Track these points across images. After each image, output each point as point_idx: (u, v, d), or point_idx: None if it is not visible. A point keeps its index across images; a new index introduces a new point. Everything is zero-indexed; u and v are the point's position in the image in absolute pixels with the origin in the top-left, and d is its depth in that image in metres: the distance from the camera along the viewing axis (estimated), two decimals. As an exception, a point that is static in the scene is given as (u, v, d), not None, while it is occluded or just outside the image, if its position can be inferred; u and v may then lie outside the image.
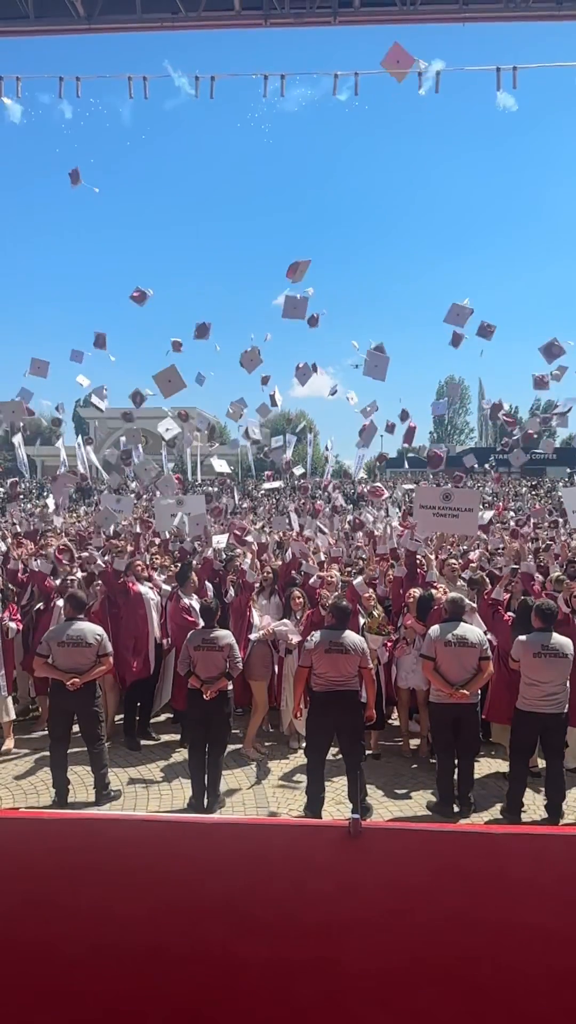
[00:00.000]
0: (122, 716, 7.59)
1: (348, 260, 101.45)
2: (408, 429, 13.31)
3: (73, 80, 8.31)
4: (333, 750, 5.95)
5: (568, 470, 40.76)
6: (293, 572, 8.31)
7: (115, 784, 6.26)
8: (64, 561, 8.50)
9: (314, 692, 5.66)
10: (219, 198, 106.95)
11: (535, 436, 14.99)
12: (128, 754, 7.05)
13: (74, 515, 17.46)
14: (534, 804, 5.97)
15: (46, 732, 6.48)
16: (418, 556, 8.00)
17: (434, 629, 6.01)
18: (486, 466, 29.92)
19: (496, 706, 6.54)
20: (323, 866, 2.81)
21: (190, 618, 7.04)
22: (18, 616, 7.43)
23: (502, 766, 6.64)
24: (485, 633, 6.30)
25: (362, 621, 6.74)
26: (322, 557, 9.18)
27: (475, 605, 6.88)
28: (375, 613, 7.09)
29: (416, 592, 7.21)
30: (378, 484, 19.66)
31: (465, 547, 10.92)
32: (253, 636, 7.03)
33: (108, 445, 34.69)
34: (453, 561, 8.22)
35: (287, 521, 11.22)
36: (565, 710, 5.72)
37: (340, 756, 5.89)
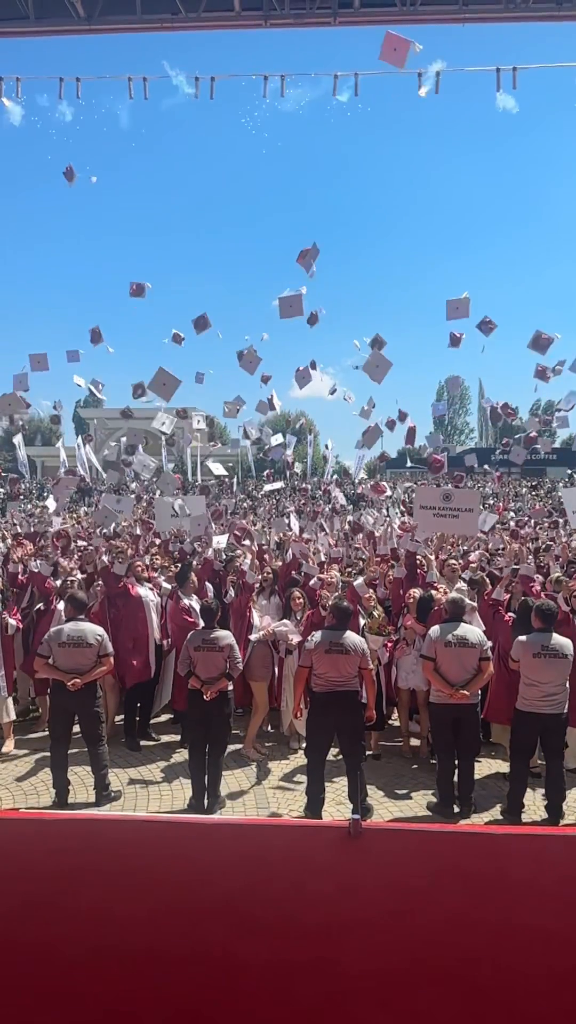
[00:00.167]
0: (122, 717, 7.59)
1: (348, 261, 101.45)
2: (408, 430, 13.33)
3: (73, 81, 8.33)
4: (334, 751, 5.95)
5: (568, 471, 40.76)
6: (293, 572, 8.31)
7: (115, 785, 6.25)
8: (60, 547, 8.49)
9: (314, 692, 5.66)
10: (219, 200, 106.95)
11: (537, 438, 15.02)
12: (128, 755, 7.05)
13: (74, 515, 17.45)
14: (534, 804, 5.96)
15: (46, 733, 6.49)
16: (418, 557, 8.00)
17: (434, 630, 6.01)
18: (486, 467, 29.92)
19: (496, 706, 6.54)
20: (323, 867, 2.81)
21: (190, 619, 7.04)
22: (18, 616, 7.43)
23: (502, 767, 6.64)
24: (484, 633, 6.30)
25: (362, 622, 6.74)
26: (322, 558, 9.18)
27: (475, 604, 6.88)
28: (375, 614, 7.09)
29: (416, 593, 7.21)
30: (382, 483, 19.70)
31: (465, 547, 10.92)
32: (253, 637, 7.03)
33: (108, 445, 34.71)
34: (453, 562, 8.22)
35: (287, 523, 11.23)
36: (565, 711, 5.72)
37: (340, 757, 5.89)
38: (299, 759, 6.75)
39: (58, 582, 7.71)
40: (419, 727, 7.27)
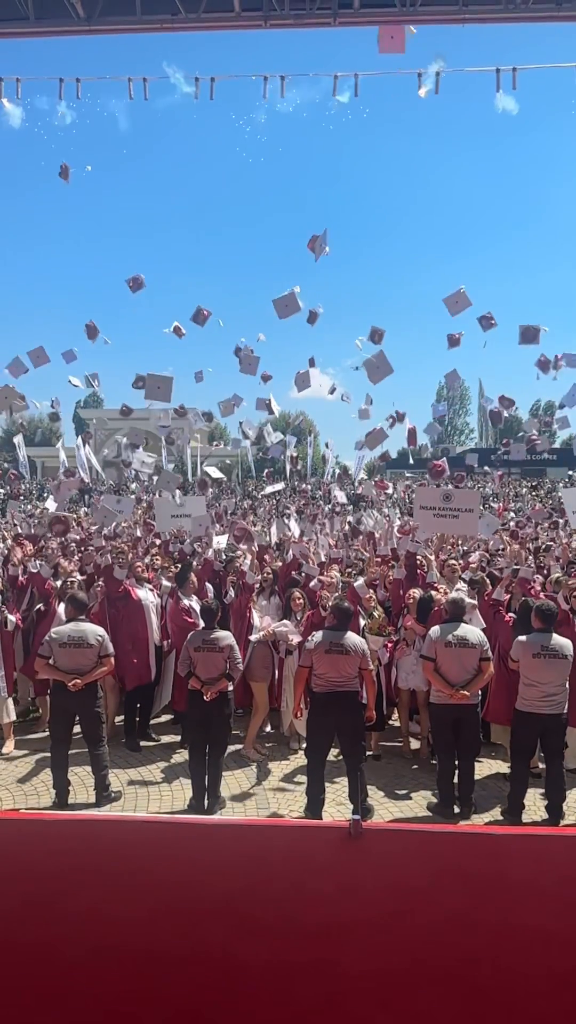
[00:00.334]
0: (122, 717, 7.59)
1: (347, 261, 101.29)
2: (409, 431, 13.35)
3: (73, 82, 8.33)
4: (334, 751, 5.95)
5: (568, 471, 40.76)
6: (293, 573, 8.31)
7: (115, 785, 6.25)
8: (56, 532, 8.48)
9: (314, 693, 5.66)
10: (218, 200, 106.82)
11: (538, 440, 15.05)
12: (128, 755, 7.05)
13: (74, 516, 17.43)
14: (534, 805, 5.96)
15: (46, 733, 6.49)
16: (418, 557, 8.00)
17: (435, 630, 6.01)
18: (486, 468, 29.91)
19: (496, 707, 6.54)
20: (323, 867, 2.81)
21: (190, 619, 7.04)
22: (19, 616, 7.43)
23: (502, 767, 6.64)
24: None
25: (363, 623, 6.74)
26: (323, 558, 9.18)
27: (475, 602, 6.87)
28: (375, 614, 7.09)
29: (416, 593, 7.22)
30: (384, 480, 19.73)
31: (465, 548, 10.92)
32: (253, 637, 7.03)
33: (108, 445, 34.71)
34: (453, 562, 8.23)
35: (287, 526, 11.23)
36: (564, 711, 5.72)
37: (341, 757, 5.88)
38: (299, 760, 6.75)
39: (58, 583, 7.70)
40: (419, 727, 7.27)
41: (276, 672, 7.23)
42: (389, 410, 14.21)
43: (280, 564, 9.02)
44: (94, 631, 6.06)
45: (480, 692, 6.12)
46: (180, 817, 5.17)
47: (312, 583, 7.73)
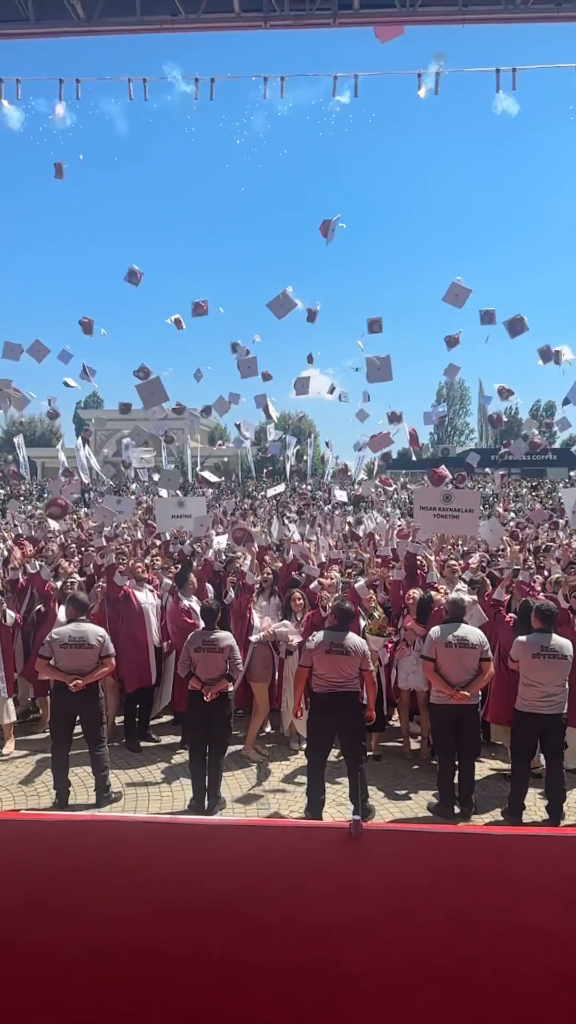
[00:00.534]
0: (122, 718, 7.59)
1: (347, 262, 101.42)
2: (411, 435, 13.39)
3: (73, 82, 8.35)
4: (335, 752, 5.95)
5: (569, 471, 40.77)
6: (293, 573, 8.31)
7: (115, 786, 6.25)
8: (54, 513, 8.49)
9: (315, 693, 5.66)
10: (218, 201, 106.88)
11: (540, 443, 15.07)
12: (128, 756, 7.04)
13: (74, 517, 17.45)
14: (535, 805, 5.96)
15: (47, 734, 6.48)
16: (418, 558, 8.00)
17: (435, 630, 6.00)
18: (487, 469, 29.96)
19: (497, 707, 6.54)
20: (324, 867, 2.81)
21: (190, 620, 7.04)
22: (19, 616, 7.42)
23: (503, 767, 6.63)
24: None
25: (363, 623, 6.74)
26: (323, 558, 9.18)
27: (475, 598, 6.86)
28: (375, 615, 7.09)
29: (416, 594, 7.21)
30: (388, 477, 19.75)
31: (465, 548, 10.92)
32: (254, 638, 7.03)
33: (109, 445, 34.73)
34: (453, 562, 8.23)
35: (287, 527, 11.23)
36: (564, 711, 5.72)
37: (341, 758, 5.88)
38: (300, 760, 6.75)
39: (58, 583, 7.70)
40: (419, 728, 7.27)
41: (276, 673, 7.23)
42: (387, 410, 14.23)
43: (280, 565, 9.02)
44: (95, 631, 6.06)
45: (480, 692, 6.12)
46: (180, 818, 5.17)
47: (312, 585, 7.73)
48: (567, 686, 5.72)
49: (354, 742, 5.65)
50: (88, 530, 12.52)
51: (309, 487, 27.11)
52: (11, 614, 7.12)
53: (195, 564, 8.30)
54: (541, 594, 7.20)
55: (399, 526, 11.77)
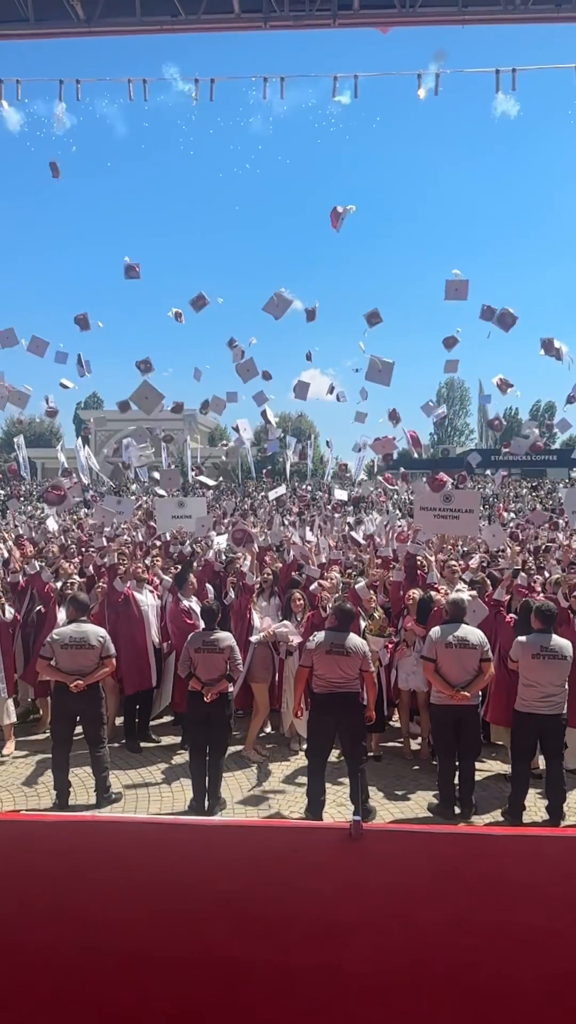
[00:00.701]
0: (122, 719, 7.59)
1: (347, 262, 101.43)
2: (411, 438, 13.38)
3: (73, 83, 8.34)
4: (335, 752, 5.95)
5: (569, 471, 40.77)
6: (293, 574, 8.30)
7: (116, 786, 6.25)
8: (52, 499, 8.52)
9: (315, 694, 5.66)
10: (217, 202, 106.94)
11: (541, 445, 15.07)
12: (129, 756, 7.04)
13: (74, 518, 17.45)
14: (534, 806, 5.96)
15: (47, 735, 6.48)
16: (418, 558, 7.99)
17: (435, 631, 6.00)
18: (487, 471, 29.97)
19: (497, 708, 6.54)
20: (324, 868, 2.81)
21: (190, 620, 7.04)
22: (19, 616, 7.42)
23: (503, 768, 6.63)
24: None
25: (363, 624, 6.74)
26: (323, 559, 9.18)
27: (475, 594, 6.85)
28: (376, 615, 7.09)
29: (416, 594, 7.21)
30: (389, 475, 19.73)
31: (465, 548, 10.92)
32: (254, 638, 7.02)
33: (109, 445, 34.71)
34: (453, 563, 8.22)
35: (287, 528, 11.21)
36: (564, 711, 5.72)
37: (342, 758, 5.88)
38: (300, 760, 6.75)
39: (58, 584, 7.69)
40: (420, 728, 7.27)
41: (276, 673, 7.23)
42: (386, 409, 14.22)
43: (280, 565, 9.02)
44: (96, 632, 6.06)
45: (480, 693, 6.12)
46: (180, 818, 5.17)
47: (312, 587, 7.73)
48: (567, 686, 5.72)
49: (354, 743, 5.65)
50: (88, 530, 12.52)
51: (309, 488, 27.09)
52: (10, 609, 7.12)
53: (195, 565, 8.30)
54: (541, 594, 7.20)
55: (399, 527, 11.76)
